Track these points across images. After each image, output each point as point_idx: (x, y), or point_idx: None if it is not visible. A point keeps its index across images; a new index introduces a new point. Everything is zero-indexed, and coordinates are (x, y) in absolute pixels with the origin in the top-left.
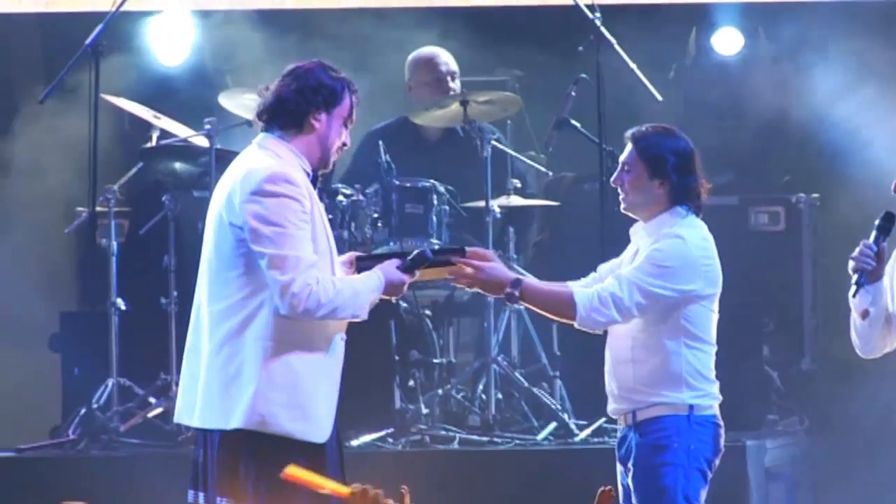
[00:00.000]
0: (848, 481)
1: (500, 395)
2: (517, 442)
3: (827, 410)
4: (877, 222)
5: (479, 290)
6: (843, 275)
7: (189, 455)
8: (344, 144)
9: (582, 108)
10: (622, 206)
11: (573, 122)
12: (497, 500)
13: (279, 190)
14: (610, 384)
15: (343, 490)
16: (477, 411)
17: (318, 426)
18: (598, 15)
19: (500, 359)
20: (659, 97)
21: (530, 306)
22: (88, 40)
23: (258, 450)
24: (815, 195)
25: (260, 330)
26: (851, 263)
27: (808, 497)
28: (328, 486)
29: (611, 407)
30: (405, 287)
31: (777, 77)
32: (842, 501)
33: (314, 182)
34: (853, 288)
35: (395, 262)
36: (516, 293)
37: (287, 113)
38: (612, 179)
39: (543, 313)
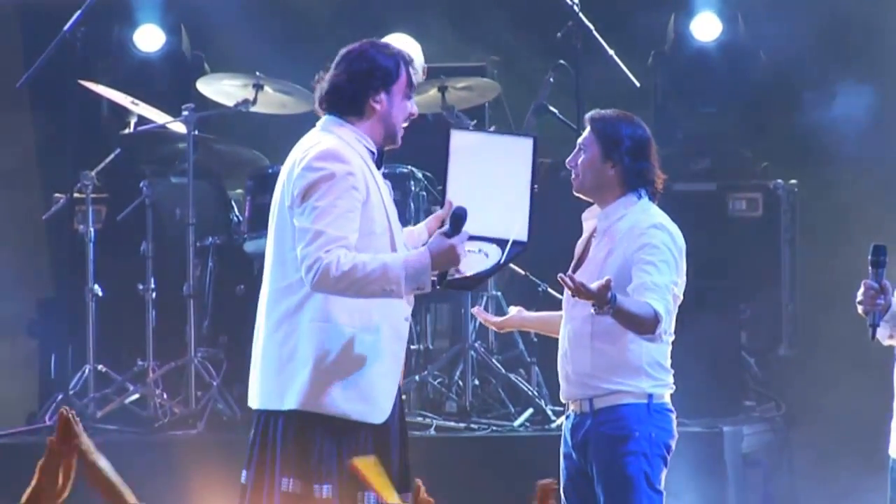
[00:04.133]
0: (825, 467)
1: (476, 382)
2: (494, 428)
3: (804, 396)
4: (869, 258)
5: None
6: (820, 261)
7: (165, 442)
8: (411, 115)
9: (560, 94)
10: (573, 187)
11: (551, 108)
12: (474, 487)
13: (325, 165)
14: (564, 368)
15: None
16: (454, 397)
17: (376, 407)
18: (576, 1)
19: (477, 345)
20: (637, 83)
21: (619, 318)
22: (66, 27)
23: (323, 430)
24: (793, 181)
25: (315, 311)
26: (860, 307)
27: (784, 483)
28: (384, 491)
29: (564, 391)
30: (457, 250)
31: (755, 63)
32: (818, 487)
33: (379, 161)
34: (870, 330)
35: (440, 231)
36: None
37: (345, 100)
38: (567, 161)
39: (628, 325)
